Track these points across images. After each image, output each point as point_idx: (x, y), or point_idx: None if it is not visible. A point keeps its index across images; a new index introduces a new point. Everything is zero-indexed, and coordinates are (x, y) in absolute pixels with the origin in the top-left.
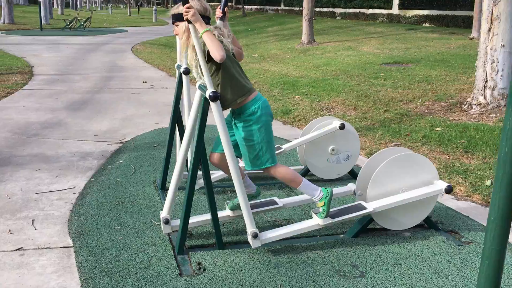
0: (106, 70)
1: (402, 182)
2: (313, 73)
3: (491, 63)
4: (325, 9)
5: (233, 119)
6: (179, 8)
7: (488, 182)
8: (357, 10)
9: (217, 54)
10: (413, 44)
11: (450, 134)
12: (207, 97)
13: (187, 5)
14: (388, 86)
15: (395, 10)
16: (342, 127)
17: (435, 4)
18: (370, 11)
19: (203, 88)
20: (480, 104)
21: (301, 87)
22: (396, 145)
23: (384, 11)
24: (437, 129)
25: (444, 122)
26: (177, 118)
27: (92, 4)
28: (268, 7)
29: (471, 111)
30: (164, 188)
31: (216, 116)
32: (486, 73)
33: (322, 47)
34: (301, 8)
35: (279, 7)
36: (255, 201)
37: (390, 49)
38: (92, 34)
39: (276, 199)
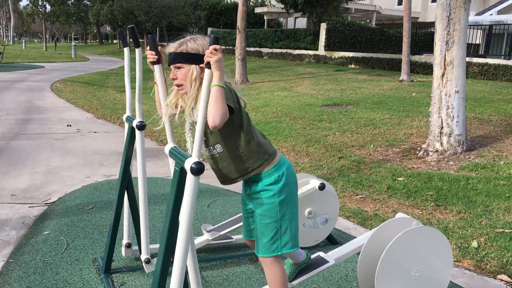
0: (23, 111)
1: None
2: (253, 115)
3: (446, 109)
4: (252, 49)
5: (247, 189)
6: (196, 44)
7: (475, 244)
8: (284, 50)
9: (217, 119)
10: (346, 86)
11: (416, 185)
12: (187, 168)
13: (217, 46)
14: (336, 130)
15: (321, 51)
16: (322, 187)
17: (358, 46)
18: (297, 51)
19: (177, 154)
20: (437, 151)
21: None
22: (361, 197)
23: (311, 52)
24: (400, 178)
25: (404, 171)
26: (126, 184)
27: (3, 38)
28: None
29: (428, 158)
30: (108, 271)
31: (188, 190)
32: (442, 119)
33: (256, 87)
34: (228, 47)
35: None
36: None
37: (325, 90)
38: (4, 70)
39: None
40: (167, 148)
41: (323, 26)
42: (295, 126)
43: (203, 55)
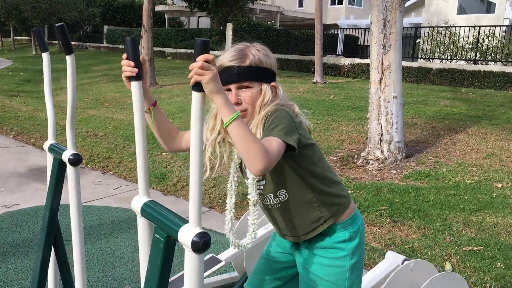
0: None
1: None
2: (170, 122)
3: (386, 115)
4: (154, 49)
5: (300, 243)
6: (263, 55)
7: (449, 266)
8: (189, 51)
9: (259, 166)
10: None
11: (366, 198)
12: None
13: (209, 56)
14: None
15: None
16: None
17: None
18: None
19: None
20: (378, 159)
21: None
22: None
23: (218, 53)
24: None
25: (349, 182)
26: (53, 241)
27: None
28: (88, 44)
29: (369, 166)
30: None
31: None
32: (381, 126)
33: (166, 89)
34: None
35: (101, 44)
36: None
37: None
38: None
39: None
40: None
41: (229, 26)
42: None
43: (272, 70)
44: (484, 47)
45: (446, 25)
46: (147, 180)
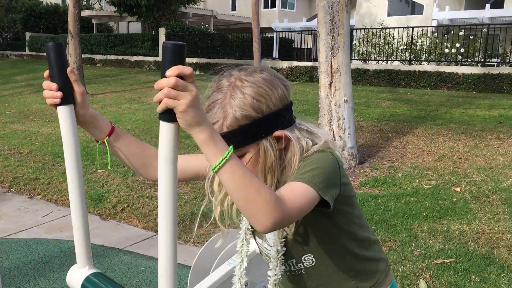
0: None
1: None
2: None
3: (337, 121)
4: (83, 56)
5: None
6: (246, 97)
7: (423, 285)
8: (120, 57)
9: (264, 221)
10: (201, 95)
11: None
12: None
13: (186, 69)
14: None
15: (161, 57)
16: None
17: (200, 52)
18: (135, 58)
19: None
20: None
21: (100, 154)
22: None
23: (151, 58)
24: None
25: None
26: None
27: None
28: (9, 52)
29: None
30: None
31: None
32: (334, 132)
33: (98, 99)
34: None
35: (23, 52)
36: None
37: None
38: None
39: None
40: None
41: (162, 31)
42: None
43: (272, 113)
44: (418, 47)
45: (380, 27)
46: (88, 243)
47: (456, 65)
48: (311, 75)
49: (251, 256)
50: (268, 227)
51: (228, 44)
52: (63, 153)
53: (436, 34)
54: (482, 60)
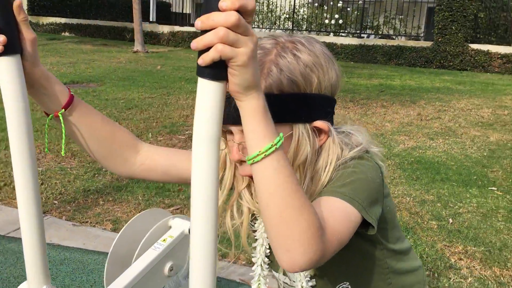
0: None
1: None
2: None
3: None
4: None
5: None
6: (300, 60)
7: None
8: None
9: (301, 252)
10: (75, 58)
11: None
12: None
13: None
14: None
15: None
16: None
17: (68, 12)
18: None
19: None
20: None
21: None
22: (175, 209)
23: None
24: None
25: None
26: None
27: None
28: None
29: None
30: None
31: None
32: None
33: None
34: None
35: None
36: None
37: (51, 63)
38: None
39: None
40: None
41: None
42: (37, 115)
43: (321, 96)
44: (300, 17)
45: None
46: (44, 254)
47: (335, 35)
48: (178, 42)
49: (178, 239)
50: (300, 266)
51: (101, 4)
52: (5, 127)
53: (316, 4)
54: (358, 32)
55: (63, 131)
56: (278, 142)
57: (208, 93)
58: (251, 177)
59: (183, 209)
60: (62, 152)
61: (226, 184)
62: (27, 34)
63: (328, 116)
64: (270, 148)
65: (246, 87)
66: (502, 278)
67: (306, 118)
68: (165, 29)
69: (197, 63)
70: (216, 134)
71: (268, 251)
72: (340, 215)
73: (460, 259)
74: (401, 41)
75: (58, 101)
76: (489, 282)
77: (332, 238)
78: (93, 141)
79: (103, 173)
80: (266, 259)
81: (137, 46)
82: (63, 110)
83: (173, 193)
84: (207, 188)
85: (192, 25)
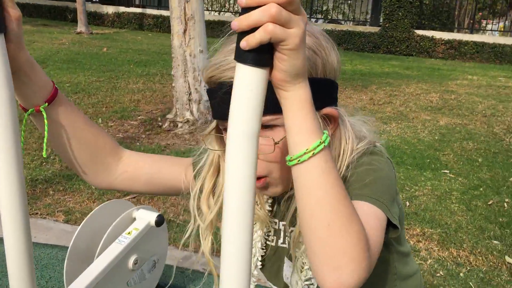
0: None
1: None
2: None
3: (193, 72)
4: None
5: None
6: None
7: None
8: None
9: (350, 273)
10: None
11: None
12: None
13: None
14: None
15: None
16: (160, 221)
17: None
18: None
19: None
20: (188, 121)
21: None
22: (133, 197)
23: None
24: None
25: (162, 150)
26: None
27: None
28: None
29: (178, 130)
30: None
31: None
32: (189, 84)
33: None
34: None
35: None
36: None
37: None
38: None
39: None
40: None
41: None
42: None
43: (326, 80)
44: None
45: None
46: (32, 270)
47: None
48: (141, 23)
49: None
50: (349, 286)
51: None
52: None
53: None
54: (308, 16)
55: (46, 128)
56: (326, 139)
57: (249, 81)
58: (259, 189)
59: (140, 198)
60: (44, 153)
61: (221, 191)
62: (12, 11)
63: (335, 102)
64: (318, 145)
65: (295, 74)
66: (459, 259)
67: (315, 106)
68: (109, 9)
69: (236, 46)
70: (256, 129)
71: (259, 263)
72: (374, 222)
73: (419, 241)
74: (350, 26)
75: (40, 93)
76: (448, 263)
77: (375, 251)
78: (74, 143)
79: (51, 161)
80: (256, 272)
81: (81, 27)
82: (46, 104)
83: None
84: (244, 192)
85: (138, 6)
